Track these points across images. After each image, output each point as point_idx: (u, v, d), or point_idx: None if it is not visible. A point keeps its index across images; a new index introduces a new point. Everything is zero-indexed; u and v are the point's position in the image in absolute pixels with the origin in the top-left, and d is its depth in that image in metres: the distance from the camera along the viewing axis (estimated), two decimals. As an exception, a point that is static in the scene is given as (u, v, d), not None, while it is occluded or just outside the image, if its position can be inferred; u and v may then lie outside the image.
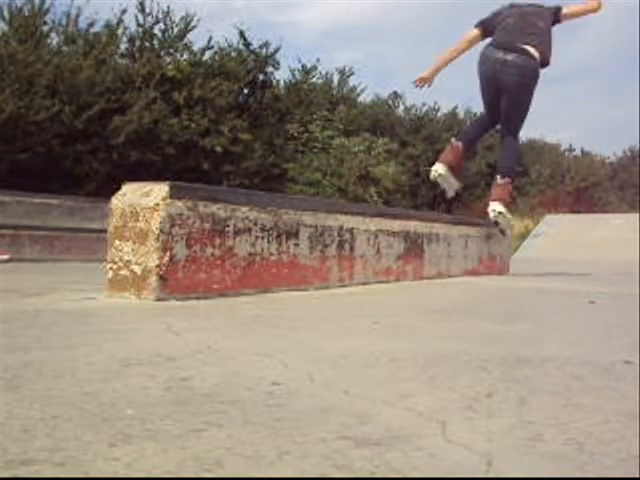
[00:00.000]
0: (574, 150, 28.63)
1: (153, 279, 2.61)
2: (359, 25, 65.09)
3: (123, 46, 15.29)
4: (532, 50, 4.97)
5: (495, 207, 5.17)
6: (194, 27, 15.92)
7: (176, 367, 1.37)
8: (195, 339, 1.75)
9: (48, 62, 12.90)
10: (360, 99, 21.42)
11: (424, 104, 22.52)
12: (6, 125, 11.87)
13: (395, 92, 22.63)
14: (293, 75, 19.23)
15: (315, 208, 3.63)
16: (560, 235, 14.31)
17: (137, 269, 2.64)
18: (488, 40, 5.24)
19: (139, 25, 15.36)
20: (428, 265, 4.68)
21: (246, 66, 16.69)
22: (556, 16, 5.21)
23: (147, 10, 15.36)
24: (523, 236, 14.88)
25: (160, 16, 15.50)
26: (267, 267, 3.18)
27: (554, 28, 5.24)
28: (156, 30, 15.59)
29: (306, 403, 1.11)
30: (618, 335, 2.17)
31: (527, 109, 5.18)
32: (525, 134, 26.95)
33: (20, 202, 6.84)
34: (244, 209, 3.05)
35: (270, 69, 17.52)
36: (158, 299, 2.60)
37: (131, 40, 15.34)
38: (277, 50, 17.35)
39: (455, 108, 23.40)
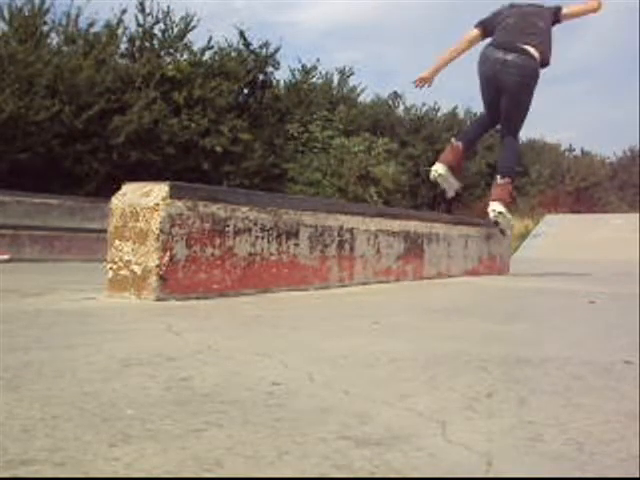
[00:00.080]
0: (574, 150, 28.66)
1: (153, 279, 2.61)
2: (359, 25, 65.10)
3: (123, 46, 15.31)
4: (532, 50, 4.98)
5: (495, 207, 5.17)
6: (194, 27, 15.95)
7: (176, 367, 1.37)
8: (195, 339, 1.75)
9: (48, 62, 12.91)
10: (360, 99, 21.46)
11: (424, 104, 22.57)
12: (6, 125, 11.87)
13: (395, 92, 22.68)
14: (293, 75, 19.27)
15: (315, 208, 3.63)
16: (560, 235, 14.31)
17: (137, 269, 2.64)
18: (488, 40, 5.24)
19: (139, 25, 15.38)
20: (428, 265, 4.68)
21: (246, 66, 16.69)
22: (556, 16, 5.21)
23: (147, 10, 15.39)
24: (523, 236, 14.87)
25: (160, 16, 15.53)
26: (267, 267, 3.18)
27: (554, 28, 5.24)
28: (156, 30, 15.62)
29: (306, 403, 1.11)
30: (618, 335, 2.17)
31: (527, 109, 5.18)
32: (525, 134, 26.96)
33: (20, 202, 6.84)
34: (244, 209, 3.05)
35: (270, 69, 17.55)
36: (158, 299, 2.60)
37: (131, 40, 15.35)
38: (277, 50, 17.38)
39: (455, 108, 23.43)
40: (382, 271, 4.14)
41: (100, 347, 1.58)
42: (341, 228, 3.73)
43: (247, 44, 17.03)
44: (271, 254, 3.20)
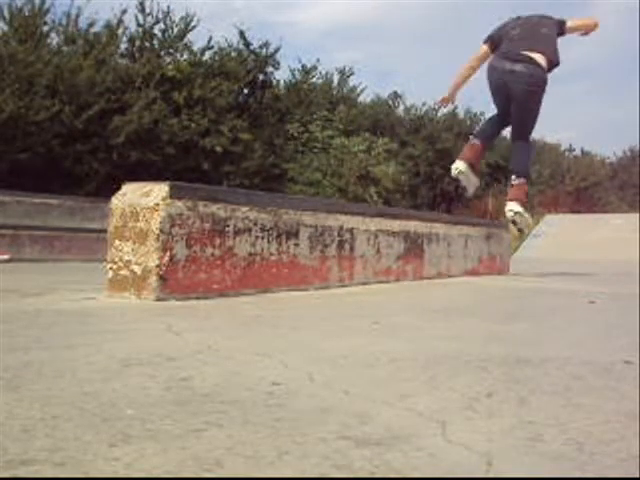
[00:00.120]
0: (574, 150, 28.69)
1: (153, 279, 2.61)
2: (359, 25, 65.12)
3: (123, 46, 15.31)
4: (538, 57, 5.04)
5: (512, 207, 5.24)
6: (194, 27, 15.95)
7: (176, 367, 1.37)
8: (195, 339, 1.75)
9: (48, 62, 12.91)
10: (360, 99, 21.46)
11: (424, 104, 22.56)
12: (6, 125, 11.87)
13: (395, 92, 22.70)
14: (293, 75, 19.27)
15: (315, 208, 3.63)
16: (560, 235, 14.30)
17: (137, 269, 2.64)
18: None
19: (139, 25, 15.38)
20: (428, 265, 4.68)
21: (246, 66, 16.70)
22: (561, 28, 5.31)
23: (147, 10, 15.39)
24: (523, 236, 14.86)
25: (160, 16, 15.53)
26: (267, 267, 3.18)
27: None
28: (156, 30, 15.62)
29: (306, 403, 1.11)
30: (618, 335, 2.17)
31: (537, 115, 5.30)
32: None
33: (20, 202, 6.85)
34: (244, 209, 3.05)
35: (270, 69, 17.54)
36: (158, 299, 2.60)
37: (131, 40, 15.35)
38: (277, 50, 17.38)
39: (455, 108, 23.36)
40: (382, 271, 4.14)
41: (100, 347, 1.58)
42: (341, 228, 3.73)
43: (247, 44, 17.04)
44: (271, 254, 3.20)
